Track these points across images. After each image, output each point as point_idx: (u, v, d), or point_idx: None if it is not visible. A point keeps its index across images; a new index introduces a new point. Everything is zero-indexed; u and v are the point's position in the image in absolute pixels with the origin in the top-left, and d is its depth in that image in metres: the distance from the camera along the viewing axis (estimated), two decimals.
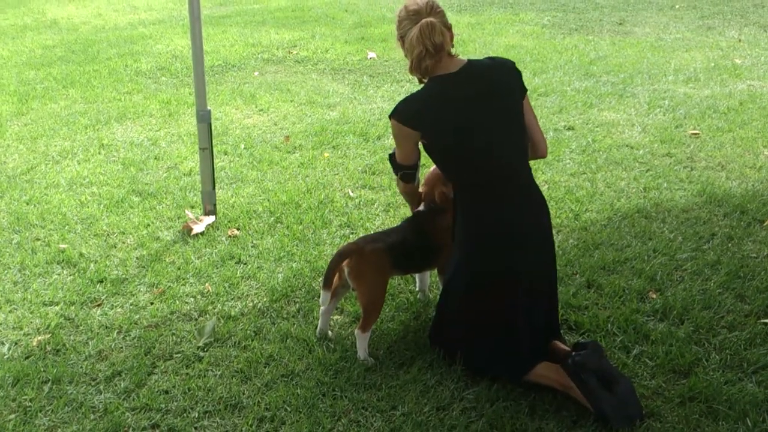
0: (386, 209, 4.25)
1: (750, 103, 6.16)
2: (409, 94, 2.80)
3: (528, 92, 2.86)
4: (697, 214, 4.14)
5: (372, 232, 3.51)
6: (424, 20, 2.66)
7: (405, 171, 2.91)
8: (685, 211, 4.20)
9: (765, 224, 4.00)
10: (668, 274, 3.52)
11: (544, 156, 2.93)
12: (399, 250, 2.97)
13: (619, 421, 2.53)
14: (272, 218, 4.17)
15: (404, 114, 2.71)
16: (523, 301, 2.74)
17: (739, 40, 8.63)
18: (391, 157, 2.92)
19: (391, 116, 2.74)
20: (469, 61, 2.76)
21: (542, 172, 4.71)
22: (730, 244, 3.80)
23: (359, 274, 2.91)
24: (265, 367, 2.91)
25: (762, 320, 3.13)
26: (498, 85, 2.76)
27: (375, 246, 2.95)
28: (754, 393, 2.70)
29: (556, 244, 3.72)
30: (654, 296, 3.33)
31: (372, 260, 2.91)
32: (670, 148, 5.17)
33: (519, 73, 2.82)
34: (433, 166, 3.06)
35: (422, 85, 2.80)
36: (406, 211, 3.84)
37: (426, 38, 2.65)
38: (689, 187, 4.53)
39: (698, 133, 5.46)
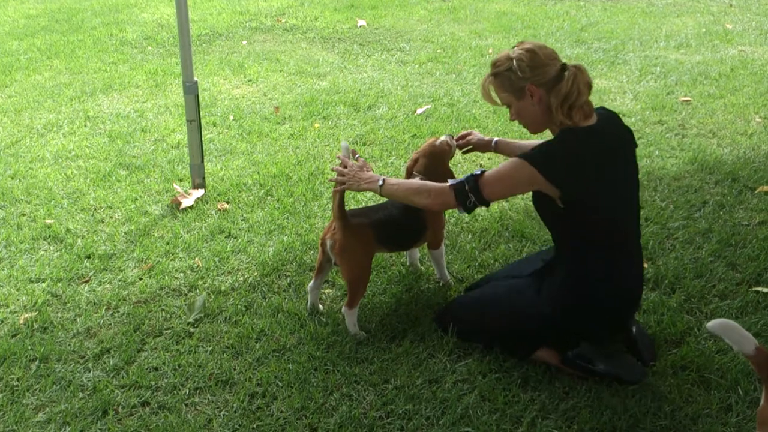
0: None
1: (741, 69, 6.12)
2: (550, 145, 2.51)
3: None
4: (689, 182, 4.13)
5: (356, 207, 3.47)
6: (576, 63, 2.49)
7: (475, 206, 2.56)
8: (677, 179, 4.18)
9: (756, 191, 3.99)
10: (660, 242, 3.51)
11: None
12: (384, 227, 2.91)
13: (636, 375, 2.62)
14: (262, 191, 4.13)
15: (548, 167, 2.44)
16: None
17: (731, 5, 8.56)
18: (471, 183, 2.52)
19: (532, 164, 2.44)
20: (597, 111, 2.58)
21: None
22: (721, 212, 3.79)
23: (342, 250, 2.85)
24: (256, 342, 2.89)
25: (754, 288, 3.13)
26: (625, 138, 2.63)
27: (359, 221, 2.89)
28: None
29: None
30: (645, 265, 3.32)
31: (355, 235, 2.85)
32: (661, 116, 5.14)
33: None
34: (429, 139, 3.09)
35: (558, 137, 2.55)
36: None
37: (588, 80, 2.49)
38: (681, 154, 4.51)
39: (690, 100, 5.42)
